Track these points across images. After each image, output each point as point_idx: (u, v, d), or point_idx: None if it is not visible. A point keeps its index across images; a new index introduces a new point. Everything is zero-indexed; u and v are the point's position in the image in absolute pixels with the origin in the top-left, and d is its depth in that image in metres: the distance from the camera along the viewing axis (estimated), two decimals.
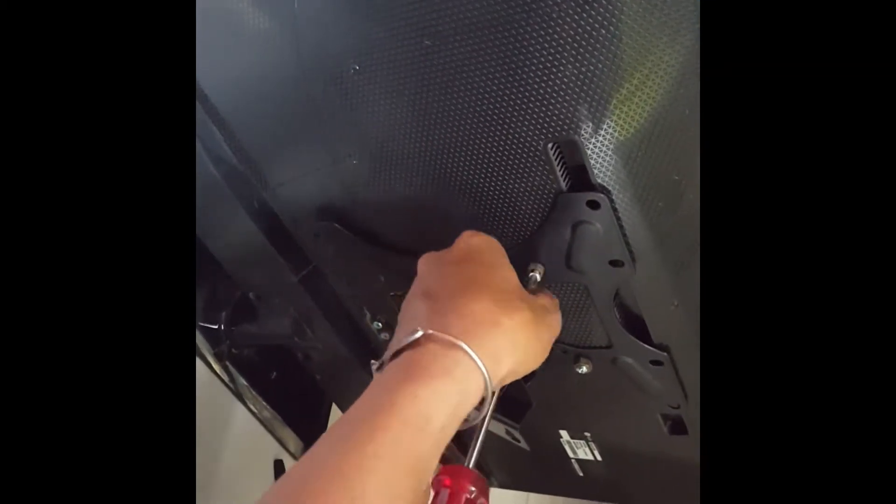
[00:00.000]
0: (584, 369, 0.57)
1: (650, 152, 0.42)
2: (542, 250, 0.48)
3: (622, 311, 0.52)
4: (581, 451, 0.70)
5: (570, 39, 0.37)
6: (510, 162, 0.45)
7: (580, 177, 0.44)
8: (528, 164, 0.44)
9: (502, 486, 0.85)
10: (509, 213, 0.48)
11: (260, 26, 0.47)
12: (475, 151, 0.46)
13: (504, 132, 0.43)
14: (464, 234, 0.46)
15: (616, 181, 0.42)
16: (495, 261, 0.44)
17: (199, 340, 0.75)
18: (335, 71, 0.46)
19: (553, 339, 0.46)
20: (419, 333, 0.39)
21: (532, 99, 0.41)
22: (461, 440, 0.43)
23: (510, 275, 0.44)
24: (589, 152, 0.41)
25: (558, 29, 0.37)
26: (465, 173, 0.47)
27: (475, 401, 0.39)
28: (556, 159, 0.43)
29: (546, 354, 0.45)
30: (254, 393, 0.80)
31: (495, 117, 0.43)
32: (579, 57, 0.38)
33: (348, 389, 0.80)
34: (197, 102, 0.54)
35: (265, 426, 0.83)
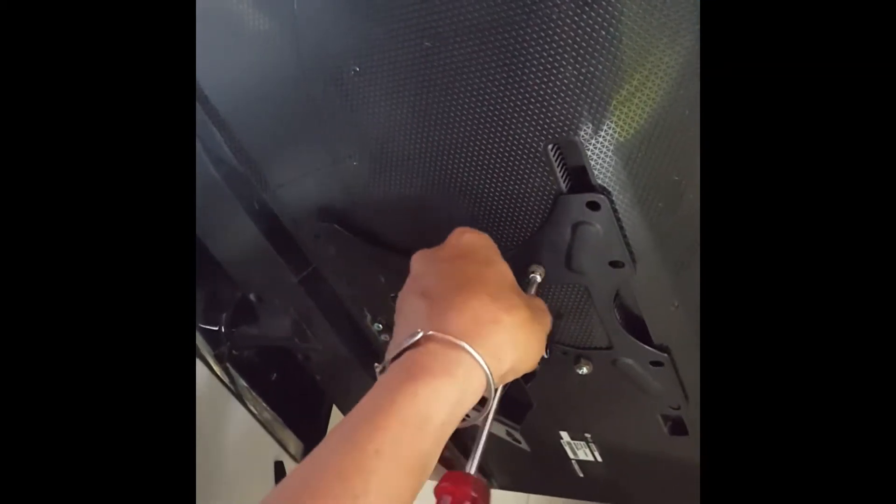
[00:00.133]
0: (585, 370, 0.57)
1: (650, 153, 0.42)
2: (543, 251, 0.48)
3: (622, 311, 0.52)
4: (581, 451, 0.70)
5: (570, 41, 0.37)
6: (510, 163, 0.45)
7: (580, 178, 0.44)
8: (529, 166, 0.44)
9: (503, 487, 0.85)
10: (509, 214, 0.48)
11: (260, 27, 0.47)
12: (475, 152, 0.46)
13: (504, 133, 0.43)
14: (455, 231, 0.45)
15: (616, 182, 0.42)
16: (490, 257, 0.44)
17: (200, 342, 0.75)
18: (335, 72, 0.46)
19: (546, 337, 0.46)
20: (420, 335, 0.39)
21: (532, 100, 0.41)
22: (462, 442, 0.43)
23: (505, 270, 0.44)
24: (589, 153, 0.41)
25: (558, 30, 0.37)
26: (466, 174, 0.47)
27: (475, 399, 0.40)
28: (556, 160, 0.43)
29: (542, 352, 0.45)
30: (254, 394, 0.80)
31: (495, 118, 0.43)
32: (579, 58, 0.38)
33: (348, 390, 0.80)
34: (197, 103, 0.54)
35: (265, 427, 0.83)
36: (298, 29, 0.46)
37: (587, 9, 0.36)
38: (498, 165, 0.45)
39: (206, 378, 0.76)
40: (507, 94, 0.41)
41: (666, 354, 0.53)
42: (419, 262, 0.45)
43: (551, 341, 0.56)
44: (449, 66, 0.42)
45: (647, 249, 0.46)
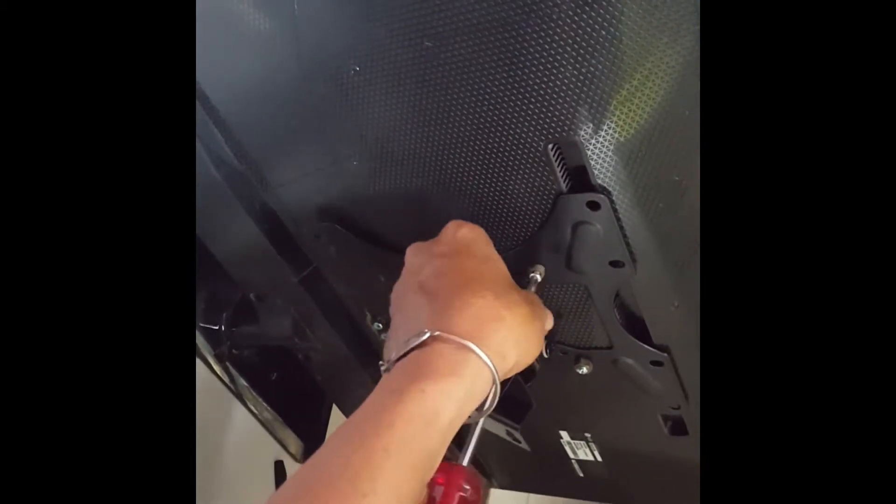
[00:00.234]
0: (585, 370, 0.57)
1: (650, 153, 0.42)
2: (543, 251, 0.48)
3: (622, 311, 0.52)
4: (581, 451, 0.70)
5: (570, 40, 0.37)
6: (510, 163, 0.45)
7: (580, 177, 0.44)
8: (529, 165, 0.44)
9: (503, 486, 0.85)
10: (510, 214, 0.48)
11: (260, 27, 0.47)
12: (475, 152, 0.46)
13: (504, 133, 0.43)
14: (450, 225, 0.45)
15: (616, 182, 0.42)
16: (486, 252, 0.44)
17: (200, 341, 0.75)
18: (335, 71, 0.46)
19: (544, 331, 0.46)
20: (426, 335, 0.39)
21: (532, 100, 0.41)
22: (458, 435, 0.43)
23: (501, 266, 0.44)
24: (589, 153, 0.41)
25: (558, 30, 0.37)
26: (466, 174, 0.47)
27: (481, 397, 0.40)
28: (556, 160, 0.43)
29: (542, 346, 0.45)
30: (254, 394, 0.80)
31: (495, 118, 0.43)
32: (579, 58, 0.38)
33: (349, 390, 0.80)
34: (197, 103, 0.54)
35: (265, 427, 0.82)
36: (299, 29, 0.46)
37: (587, 8, 0.36)
38: (498, 165, 0.45)
39: (207, 377, 0.76)
40: (508, 93, 0.41)
41: (666, 354, 0.53)
42: (415, 255, 0.45)
43: (551, 340, 0.56)
44: (449, 66, 0.42)
45: (648, 249, 0.46)
